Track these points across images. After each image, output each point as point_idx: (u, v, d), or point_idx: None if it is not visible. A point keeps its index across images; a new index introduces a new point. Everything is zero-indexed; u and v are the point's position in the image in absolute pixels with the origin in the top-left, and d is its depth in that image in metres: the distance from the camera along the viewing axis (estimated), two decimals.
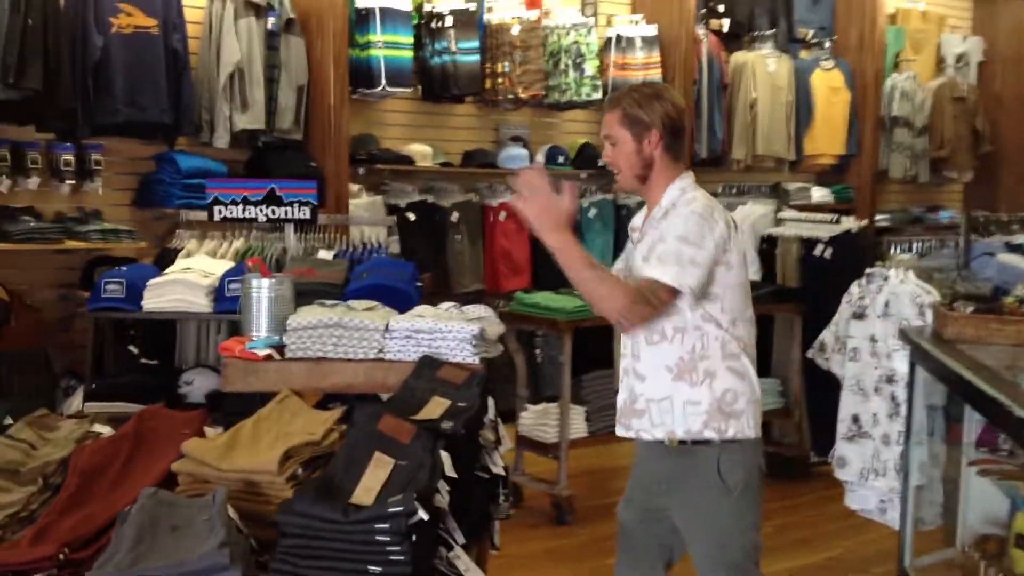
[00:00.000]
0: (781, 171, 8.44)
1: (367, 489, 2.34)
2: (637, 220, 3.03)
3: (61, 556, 2.30)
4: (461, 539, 2.46)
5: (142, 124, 5.51)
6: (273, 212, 4.36)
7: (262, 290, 3.10)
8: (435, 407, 2.78)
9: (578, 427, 5.36)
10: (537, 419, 5.42)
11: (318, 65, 6.10)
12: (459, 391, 2.85)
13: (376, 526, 2.18)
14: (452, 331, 3.03)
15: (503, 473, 2.91)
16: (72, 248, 5.37)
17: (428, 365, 2.95)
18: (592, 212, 7.28)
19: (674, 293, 2.75)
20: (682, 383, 2.81)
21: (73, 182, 5.41)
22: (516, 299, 5.58)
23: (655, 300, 2.74)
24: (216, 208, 4.33)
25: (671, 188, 2.87)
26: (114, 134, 5.57)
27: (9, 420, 3.20)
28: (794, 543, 5.01)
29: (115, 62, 5.33)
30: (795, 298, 6.00)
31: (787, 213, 6.60)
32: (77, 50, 5.23)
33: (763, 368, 6.16)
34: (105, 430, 3.16)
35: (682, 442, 2.84)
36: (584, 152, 7.45)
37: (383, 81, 6.35)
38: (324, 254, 4.37)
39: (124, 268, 4.38)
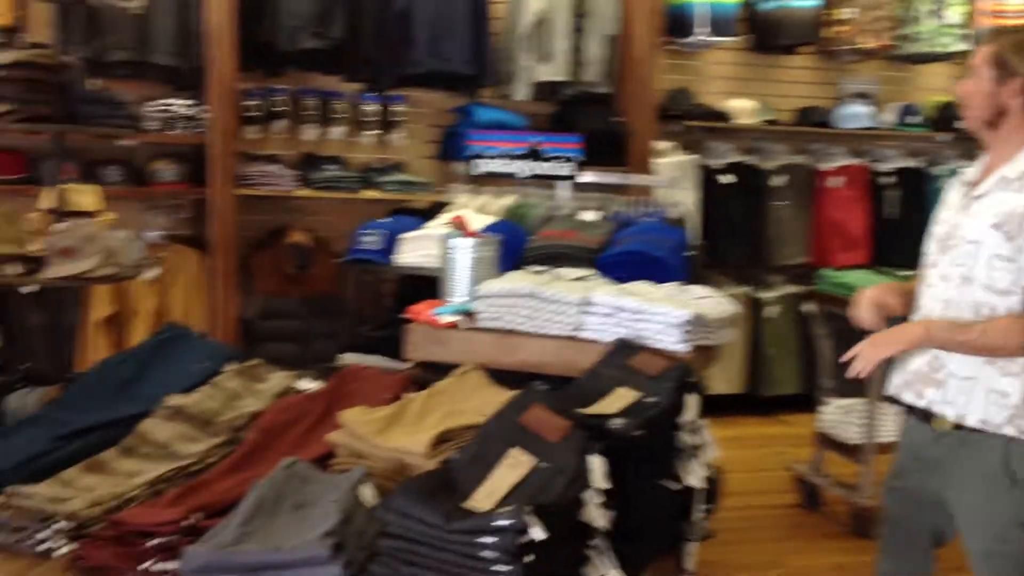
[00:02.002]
0: None
1: (490, 492, 2.03)
2: (971, 172, 2.67)
3: (189, 521, 2.18)
4: (613, 563, 2.07)
5: (444, 75, 5.45)
6: (532, 168, 4.08)
7: (461, 250, 2.84)
8: (615, 400, 2.40)
9: (888, 429, 4.64)
10: (841, 415, 4.77)
11: (630, 12, 5.72)
12: (651, 383, 2.45)
13: (478, 540, 1.86)
14: (659, 313, 2.62)
15: (701, 485, 2.47)
16: (376, 198, 5.42)
17: (622, 350, 2.56)
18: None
19: None
20: (992, 368, 2.51)
21: (376, 133, 5.47)
22: (821, 276, 4.92)
23: None
24: (476, 162, 4.13)
25: None
26: (418, 85, 5.55)
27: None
28: None
29: (419, 12, 5.29)
30: None
31: None
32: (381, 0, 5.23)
33: None
34: (312, 386, 3.05)
35: (958, 427, 2.55)
36: (945, 113, 6.54)
37: (704, 29, 5.89)
38: (588, 215, 4.03)
39: (390, 220, 4.32)
